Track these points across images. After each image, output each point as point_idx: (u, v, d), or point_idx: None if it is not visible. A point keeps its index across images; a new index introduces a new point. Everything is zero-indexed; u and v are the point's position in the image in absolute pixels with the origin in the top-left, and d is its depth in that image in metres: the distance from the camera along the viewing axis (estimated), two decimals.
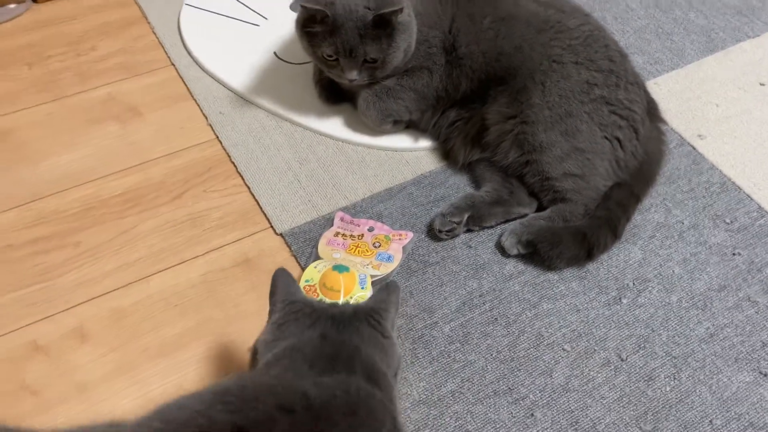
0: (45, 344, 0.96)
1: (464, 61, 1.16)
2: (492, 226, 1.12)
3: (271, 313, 0.80)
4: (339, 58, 1.11)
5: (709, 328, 1.00)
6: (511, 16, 1.15)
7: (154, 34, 1.45)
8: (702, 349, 0.98)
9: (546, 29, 1.14)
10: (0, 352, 0.95)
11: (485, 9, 1.16)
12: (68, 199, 1.14)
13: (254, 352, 0.77)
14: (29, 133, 1.24)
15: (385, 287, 0.84)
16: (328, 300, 0.96)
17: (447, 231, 1.08)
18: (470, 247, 1.09)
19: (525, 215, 1.12)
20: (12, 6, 1.47)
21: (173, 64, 1.39)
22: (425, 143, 1.25)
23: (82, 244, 1.08)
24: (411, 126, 1.26)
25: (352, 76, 1.12)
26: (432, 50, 1.17)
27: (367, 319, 0.77)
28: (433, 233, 1.09)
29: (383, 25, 1.08)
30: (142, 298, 1.01)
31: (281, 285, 0.81)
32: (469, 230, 1.11)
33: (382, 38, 1.09)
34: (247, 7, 1.50)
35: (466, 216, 1.09)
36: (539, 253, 1.04)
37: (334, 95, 1.28)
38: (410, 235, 1.08)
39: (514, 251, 1.06)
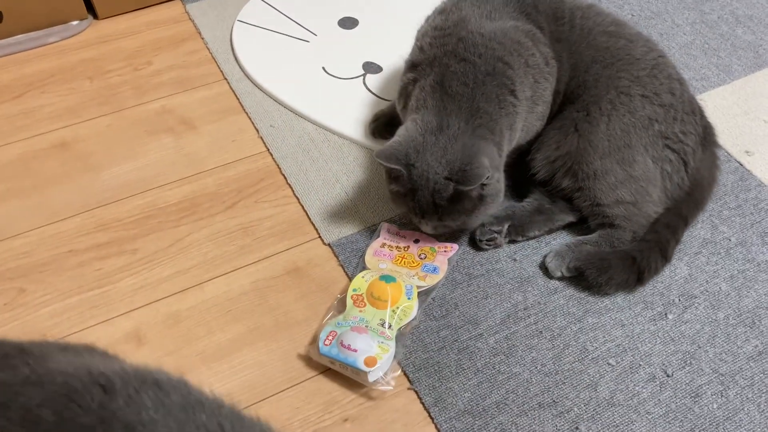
0: (104, 346, 0.99)
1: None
2: (536, 236, 1.13)
3: None
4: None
5: (757, 345, 0.99)
6: (587, 56, 1.13)
7: (208, 49, 1.50)
8: (750, 366, 0.97)
9: (613, 62, 1.11)
10: None
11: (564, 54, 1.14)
12: (128, 207, 1.19)
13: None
14: (91, 144, 1.30)
15: None
16: (374, 310, 0.99)
17: (487, 240, 1.10)
18: (515, 260, 1.10)
19: (568, 223, 1.13)
20: (75, 23, 1.55)
21: (226, 79, 1.43)
22: None
23: (139, 250, 1.12)
24: None
25: (429, 231, 1.07)
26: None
27: None
28: (477, 245, 1.11)
29: (465, 198, 1.00)
30: (197, 303, 1.05)
31: None
32: (513, 241, 1.12)
33: (462, 210, 1.01)
34: (297, 23, 1.54)
35: (506, 225, 1.10)
36: (587, 278, 1.04)
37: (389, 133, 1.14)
38: (455, 247, 1.09)
39: (558, 274, 1.06)
